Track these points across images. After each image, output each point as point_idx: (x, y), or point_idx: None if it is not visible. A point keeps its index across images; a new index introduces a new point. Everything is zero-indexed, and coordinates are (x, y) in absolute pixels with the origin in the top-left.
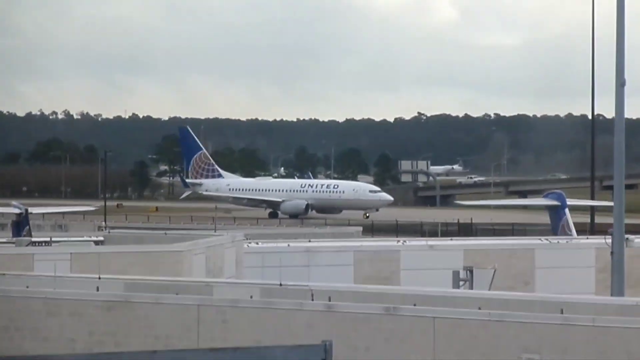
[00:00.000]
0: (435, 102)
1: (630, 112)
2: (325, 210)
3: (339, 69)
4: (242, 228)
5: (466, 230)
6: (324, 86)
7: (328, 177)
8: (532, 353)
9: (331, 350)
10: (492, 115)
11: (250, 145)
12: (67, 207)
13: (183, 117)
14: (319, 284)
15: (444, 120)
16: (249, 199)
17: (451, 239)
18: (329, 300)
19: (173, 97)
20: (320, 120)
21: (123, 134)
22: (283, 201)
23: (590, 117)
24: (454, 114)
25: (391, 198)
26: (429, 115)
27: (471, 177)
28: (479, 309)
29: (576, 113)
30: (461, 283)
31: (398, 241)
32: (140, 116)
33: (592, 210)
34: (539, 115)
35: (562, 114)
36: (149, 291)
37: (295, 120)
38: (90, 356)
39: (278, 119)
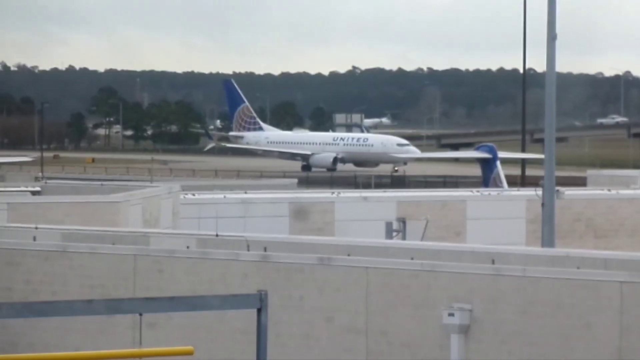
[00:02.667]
0: (369, 56)
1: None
2: (360, 164)
3: (271, 21)
4: (179, 179)
5: (399, 182)
6: (258, 38)
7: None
8: (463, 303)
9: (266, 300)
10: (425, 69)
11: (187, 98)
12: (3, 157)
13: (119, 69)
14: (255, 235)
15: (377, 74)
16: (280, 152)
17: (384, 191)
18: (265, 251)
19: (108, 50)
20: (256, 73)
21: (60, 86)
22: (312, 154)
23: (521, 70)
24: (387, 68)
25: (419, 152)
26: (363, 69)
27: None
28: (412, 259)
29: (508, 67)
30: (394, 234)
31: (332, 193)
32: (77, 68)
33: (523, 162)
34: (471, 69)
35: (493, 68)
36: (85, 241)
37: (231, 73)
38: (26, 304)
39: (214, 71)
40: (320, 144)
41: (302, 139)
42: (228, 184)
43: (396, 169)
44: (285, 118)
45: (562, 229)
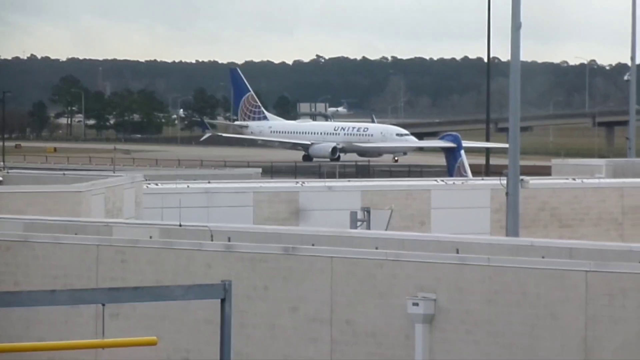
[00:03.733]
0: (333, 45)
1: (526, 55)
2: (362, 154)
3: (235, 10)
4: (142, 169)
5: (364, 171)
6: (221, 27)
7: (228, 119)
8: (428, 292)
9: (230, 290)
10: (390, 58)
11: (149, 87)
12: None
13: (81, 58)
14: (219, 225)
15: (342, 63)
16: (280, 142)
17: (349, 181)
18: (229, 241)
19: (71, 38)
20: (220, 62)
21: (21, 75)
22: (312, 144)
23: (486, 59)
24: (352, 57)
25: (418, 141)
26: (327, 58)
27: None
28: (376, 248)
29: (472, 56)
30: (358, 223)
31: (297, 182)
32: (39, 57)
33: (487, 152)
34: (435, 58)
35: (458, 57)
36: (48, 231)
37: (194, 62)
38: None
39: (177, 60)
40: (321, 133)
41: (304, 128)
42: (192, 173)
43: (396, 159)
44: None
45: (527, 218)
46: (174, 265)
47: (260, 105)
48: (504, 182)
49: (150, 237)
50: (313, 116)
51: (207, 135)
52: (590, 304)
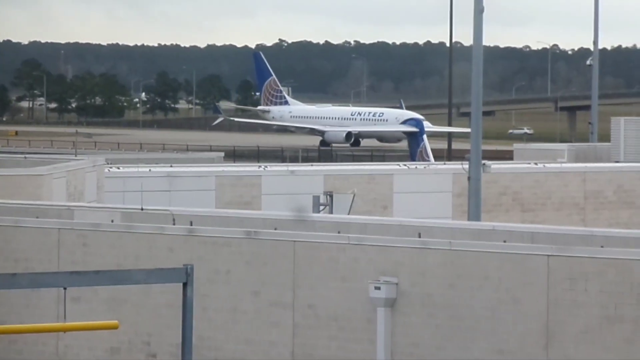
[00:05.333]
0: (296, 29)
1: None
2: (381, 139)
3: None
4: (103, 153)
5: (326, 156)
6: (183, 10)
7: (189, 102)
8: (390, 276)
9: (192, 274)
10: (352, 42)
11: (111, 71)
12: None
13: (43, 41)
14: (181, 209)
15: (305, 47)
16: (296, 127)
17: (311, 165)
18: (191, 225)
19: (32, 21)
20: (182, 45)
21: None
22: (326, 130)
23: (448, 44)
24: (314, 41)
25: (432, 126)
26: (290, 42)
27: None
28: (338, 232)
29: (434, 40)
30: (321, 207)
31: (259, 166)
32: (0, 40)
33: (450, 136)
34: (398, 43)
35: (420, 42)
36: (8, 214)
37: (156, 45)
38: None
39: (139, 44)
40: (338, 118)
41: (323, 113)
42: (153, 157)
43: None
44: (211, 91)
45: (489, 203)
46: (136, 249)
47: (282, 89)
48: (466, 166)
49: (112, 221)
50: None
51: (219, 120)
52: (552, 288)
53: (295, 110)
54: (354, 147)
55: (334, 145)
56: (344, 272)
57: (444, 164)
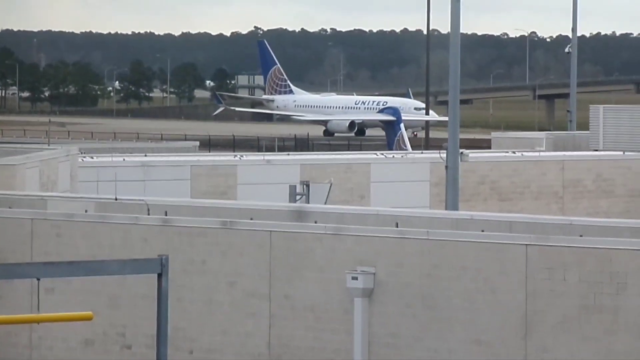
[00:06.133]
0: (272, 16)
1: (466, 27)
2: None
3: None
4: (77, 142)
5: (303, 145)
6: None
7: (164, 91)
8: (367, 266)
9: (167, 264)
10: (329, 30)
11: (85, 59)
12: None
13: (15, 29)
14: (155, 199)
15: (280, 35)
16: (298, 118)
17: (288, 154)
18: (165, 215)
19: (4, 9)
20: (156, 33)
21: None
22: (329, 120)
23: (425, 32)
24: (290, 29)
25: (437, 116)
26: (265, 29)
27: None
28: (315, 222)
29: (412, 28)
30: (298, 197)
31: (235, 156)
32: None
33: (427, 125)
34: (375, 31)
35: (397, 29)
36: None
37: (130, 33)
38: None
39: (113, 31)
40: (342, 107)
41: (327, 102)
42: (128, 146)
43: (415, 133)
44: (186, 79)
45: (467, 192)
46: (110, 240)
47: (287, 78)
48: (444, 155)
49: (86, 211)
50: (251, 89)
51: (220, 109)
52: (530, 278)
53: (300, 99)
54: (360, 137)
55: (337, 134)
56: (321, 263)
57: (422, 153)
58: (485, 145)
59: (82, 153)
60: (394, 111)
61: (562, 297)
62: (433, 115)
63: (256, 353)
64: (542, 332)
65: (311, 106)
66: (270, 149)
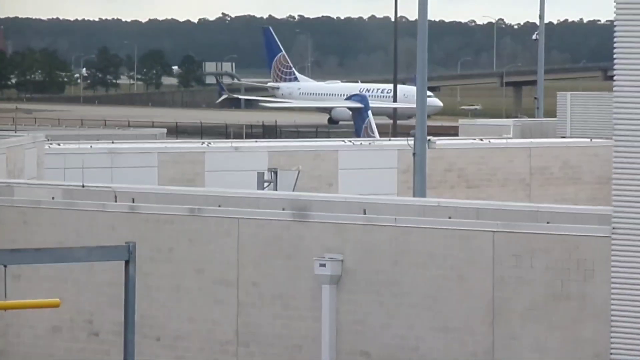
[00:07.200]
0: (239, 3)
1: (433, 14)
2: (392, 116)
3: None
4: (44, 129)
5: (271, 132)
6: None
7: (131, 78)
8: (335, 253)
9: (134, 252)
10: (296, 17)
11: (51, 46)
12: None
13: None
14: (122, 186)
15: (248, 22)
16: (300, 106)
17: (256, 141)
18: (133, 202)
19: None
20: (123, 20)
21: None
22: (333, 107)
23: (393, 18)
24: (258, 15)
25: (441, 104)
26: (233, 16)
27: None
28: (283, 209)
29: (379, 15)
30: (265, 184)
31: (203, 143)
32: None
33: (395, 112)
34: (342, 17)
35: (365, 16)
36: None
37: (97, 19)
38: None
39: (80, 18)
40: (347, 95)
41: (332, 90)
42: (94, 133)
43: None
44: (153, 66)
45: (434, 179)
46: (77, 227)
47: (292, 66)
48: (411, 142)
49: (53, 198)
50: (219, 75)
51: (223, 97)
52: (498, 265)
53: (304, 87)
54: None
55: (341, 122)
56: (289, 250)
57: (389, 140)
58: (453, 132)
59: (49, 140)
60: (362, 98)
61: (529, 285)
62: (436, 102)
63: (224, 340)
64: (510, 319)
65: (315, 94)
66: (238, 136)
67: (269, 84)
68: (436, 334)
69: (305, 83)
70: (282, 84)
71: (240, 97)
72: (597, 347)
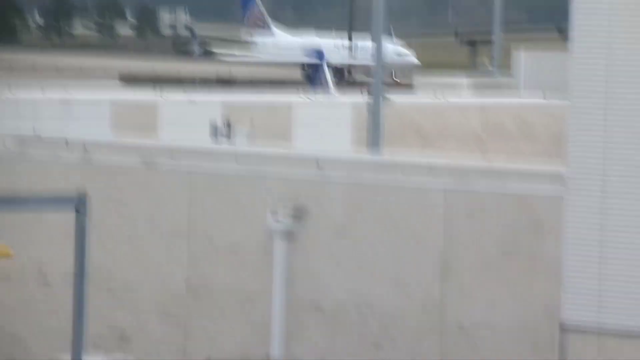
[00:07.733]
0: None
1: None
2: (369, 74)
3: None
4: None
5: (225, 84)
6: None
7: (86, 26)
8: (289, 208)
9: (85, 202)
10: None
11: None
12: None
13: None
14: (76, 136)
15: None
16: (273, 62)
17: (210, 93)
18: (85, 152)
19: None
20: None
21: None
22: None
23: None
24: None
25: (416, 60)
26: None
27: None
28: (236, 163)
29: None
30: (219, 137)
31: (157, 94)
32: None
33: (350, 68)
34: None
35: None
36: None
37: None
38: None
39: None
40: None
41: (308, 45)
42: (48, 83)
43: (396, 79)
44: (107, 14)
45: (390, 136)
46: (29, 176)
47: (268, 18)
48: (367, 99)
49: (4, 147)
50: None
51: (196, 52)
52: (448, 222)
53: (281, 42)
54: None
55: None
56: (242, 203)
57: (345, 95)
58: (409, 88)
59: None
60: (318, 54)
61: (481, 242)
62: (412, 60)
63: (176, 292)
64: (462, 278)
65: (292, 49)
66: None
67: (245, 39)
68: (388, 288)
69: (281, 38)
70: (257, 39)
71: (219, 51)
72: (547, 301)
